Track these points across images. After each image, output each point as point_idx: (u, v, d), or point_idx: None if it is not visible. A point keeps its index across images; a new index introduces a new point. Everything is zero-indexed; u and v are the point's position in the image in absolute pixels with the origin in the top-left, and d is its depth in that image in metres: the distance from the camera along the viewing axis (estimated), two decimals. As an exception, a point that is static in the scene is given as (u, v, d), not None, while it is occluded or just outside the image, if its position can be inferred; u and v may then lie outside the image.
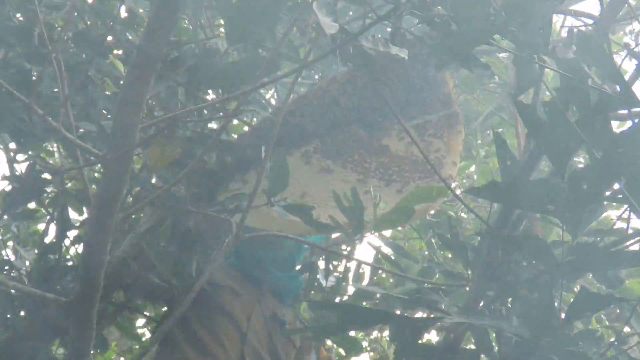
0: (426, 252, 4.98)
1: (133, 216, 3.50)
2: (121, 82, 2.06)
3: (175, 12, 1.97)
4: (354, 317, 2.13)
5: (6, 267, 4.49)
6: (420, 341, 2.52)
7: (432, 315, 2.31)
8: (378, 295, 4.26)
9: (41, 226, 5.31)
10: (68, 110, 2.36)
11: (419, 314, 4.26)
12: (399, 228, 5.47)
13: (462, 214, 5.60)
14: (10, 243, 5.13)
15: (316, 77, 5.31)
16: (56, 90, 3.02)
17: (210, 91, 3.56)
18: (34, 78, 3.01)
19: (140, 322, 6.52)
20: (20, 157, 4.16)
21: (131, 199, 3.81)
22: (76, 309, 2.42)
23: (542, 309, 2.28)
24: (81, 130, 3.36)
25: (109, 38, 3.42)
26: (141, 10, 3.44)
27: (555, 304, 2.28)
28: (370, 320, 2.20)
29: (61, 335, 3.95)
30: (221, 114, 3.00)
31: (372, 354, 9.21)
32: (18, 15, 3.63)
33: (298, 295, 4.13)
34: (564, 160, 2.18)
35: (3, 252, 5.03)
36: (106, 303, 4.29)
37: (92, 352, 5.28)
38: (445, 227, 4.13)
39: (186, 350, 3.36)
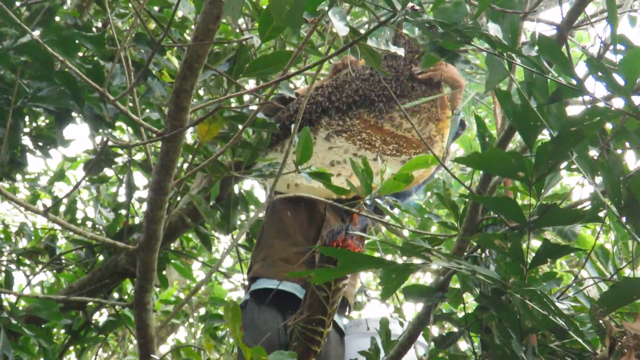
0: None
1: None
2: (176, 74, 2.12)
3: (218, 19, 2.03)
4: (352, 261, 2.20)
5: (87, 222, 4.63)
6: (404, 283, 2.59)
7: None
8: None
9: (114, 189, 5.45)
10: (134, 97, 2.43)
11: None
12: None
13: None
14: (91, 203, 5.26)
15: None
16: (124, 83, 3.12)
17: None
18: (105, 73, 3.09)
19: (196, 265, 6.69)
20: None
21: (186, 165, 3.90)
22: (141, 255, 2.50)
23: (513, 256, 2.34)
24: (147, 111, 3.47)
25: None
26: (192, 17, 3.50)
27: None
28: (365, 264, 2.26)
29: (130, 276, 4.06)
30: (257, 99, 3.08)
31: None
32: (97, 22, 3.77)
33: None
34: (531, 137, 2.24)
35: (85, 210, 5.16)
36: (166, 250, 4.41)
37: (156, 289, 5.40)
38: (441, 189, 4.19)
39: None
